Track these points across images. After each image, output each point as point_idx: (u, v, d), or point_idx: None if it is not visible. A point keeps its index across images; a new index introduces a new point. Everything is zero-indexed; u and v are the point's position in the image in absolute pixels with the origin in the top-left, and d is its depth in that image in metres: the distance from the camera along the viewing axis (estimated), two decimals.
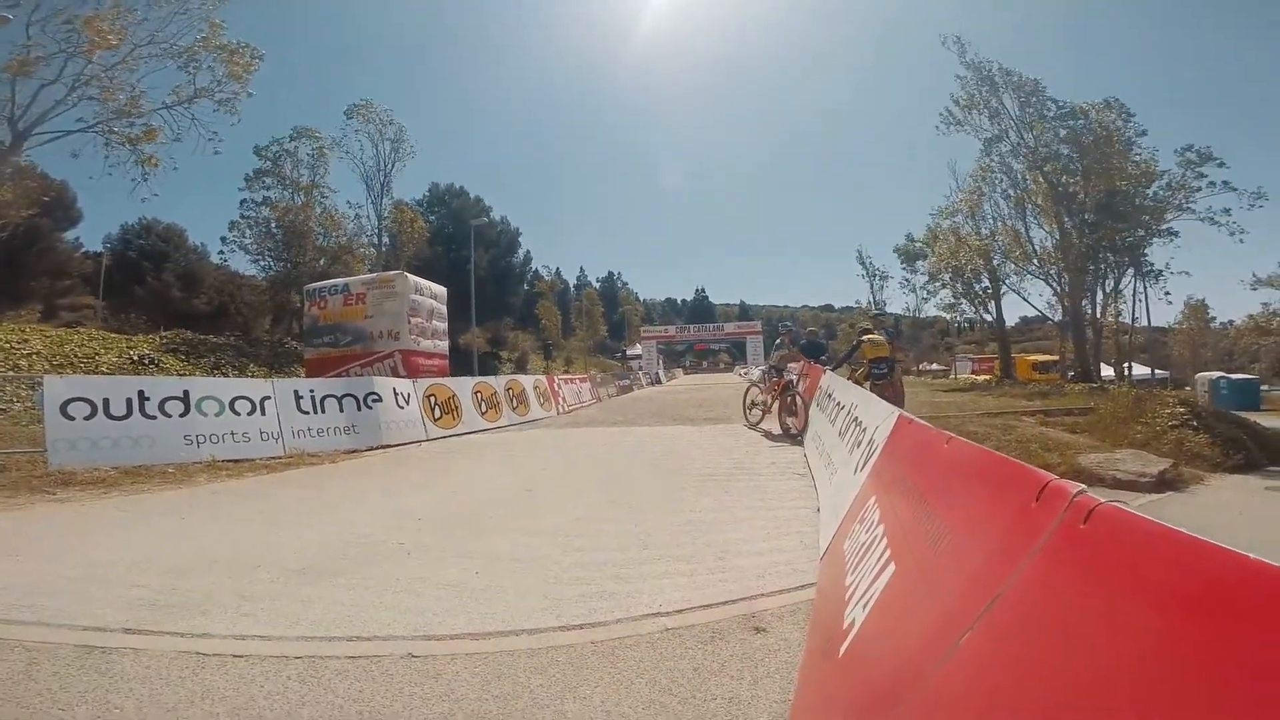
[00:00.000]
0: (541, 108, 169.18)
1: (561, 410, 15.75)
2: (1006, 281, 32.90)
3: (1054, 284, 30.54)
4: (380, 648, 2.51)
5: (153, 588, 3.17)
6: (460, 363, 28.18)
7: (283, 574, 3.43)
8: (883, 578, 1.92)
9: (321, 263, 34.25)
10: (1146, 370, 34.20)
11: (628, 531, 4.24)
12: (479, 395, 12.15)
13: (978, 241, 32.08)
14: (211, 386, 8.43)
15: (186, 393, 7.66)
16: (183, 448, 7.27)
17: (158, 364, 21.07)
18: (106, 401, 7.00)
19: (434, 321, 19.95)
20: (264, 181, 34.26)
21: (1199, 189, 26.13)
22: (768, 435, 9.17)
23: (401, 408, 9.96)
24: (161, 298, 37.00)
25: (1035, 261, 30.88)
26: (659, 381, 39.64)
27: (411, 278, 19.58)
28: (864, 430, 4.20)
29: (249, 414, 8.02)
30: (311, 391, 8.98)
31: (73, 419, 6.75)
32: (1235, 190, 25.68)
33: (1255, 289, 30.00)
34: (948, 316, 38.54)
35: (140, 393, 7.32)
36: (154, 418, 7.23)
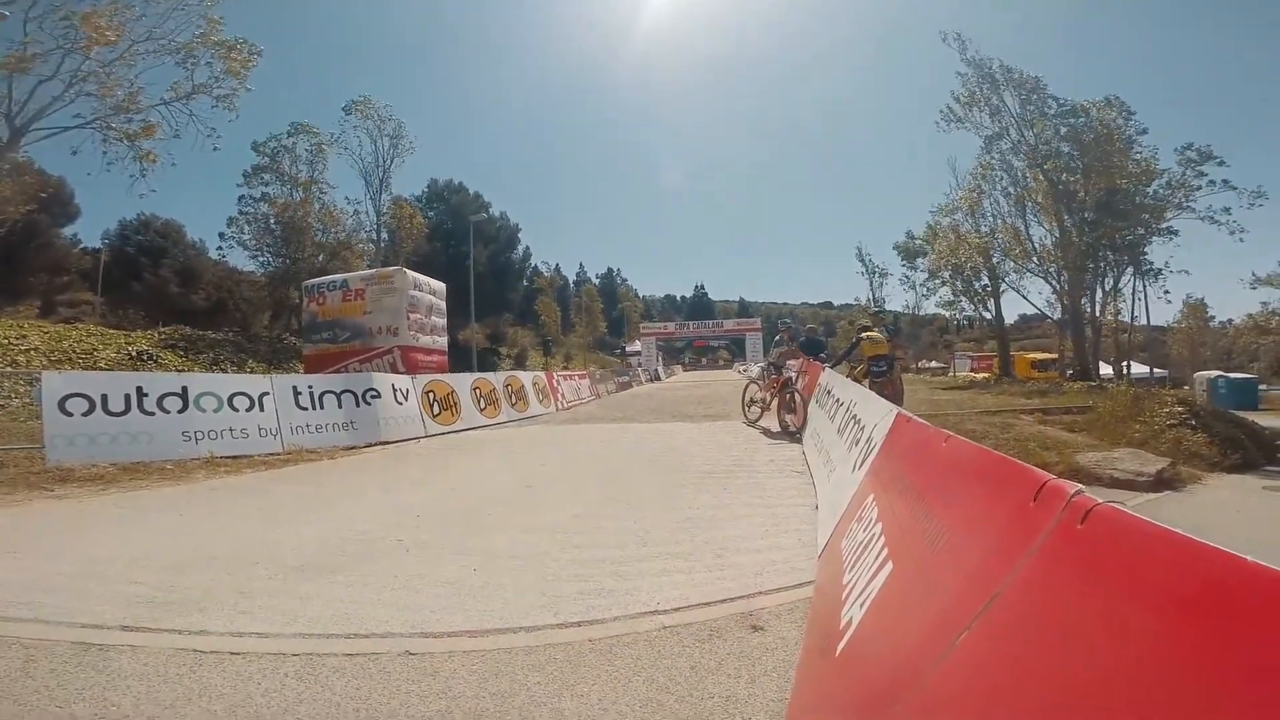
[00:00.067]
0: (541, 104, 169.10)
1: (560, 407, 15.76)
2: (1006, 279, 32.96)
3: (1053, 282, 30.57)
4: (378, 645, 2.51)
5: (150, 585, 3.17)
6: (459, 359, 28.18)
7: (281, 571, 3.43)
8: (880, 576, 1.92)
9: (320, 259, 34.17)
10: (1145, 369, 34.23)
11: (626, 529, 4.24)
12: (478, 391, 12.15)
13: (977, 239, 32.07)
14: (210, 382, 8.41)
15: (185, 389, 7.65)
16: (181, 444, 7.26)
17: (156, 360, 21.05)
18: (105, 397, 6.99)
19: (433, 317, 19.92)
20: (262, 178, 34.17)
21: (1199, 187, 26.17)
22: (766, 432, 9.18)
23: (400, 404, 9.96)
24: (160, 293, 36.98)
25: (1035, 259, 30.90)
26: (658, 378, 39.68)
27: (410, 273, 19.54)
28: (862, 428, 4.20)
29: (247, 410, 8.01)
30: (310, 388, 8.97)
31: (71, 415, 6.73)
32: (1235, 189, 25.73)
33: (1255, 288, 30.04)
34: (947, 314, 38.54)
35: (139, 389, 7.31)
36: (152, 414, 7.23)
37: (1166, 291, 29.09)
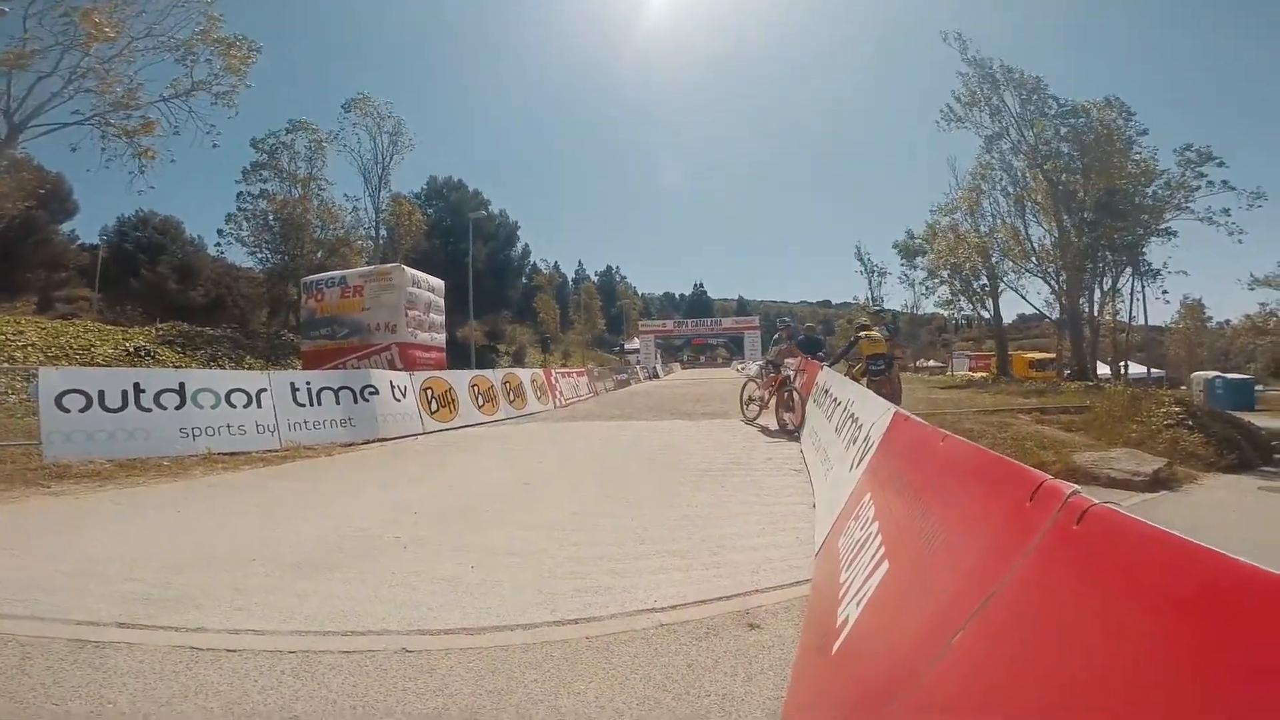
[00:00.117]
0: (540, 102, 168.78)
1: (559, 404, 15.76)
2: (1004, 279, 32.96)
3: (1052, 282, 30.58)
4: (375, 642, 2.51)
5: (147, 582, 3.17)
6: (458, 356, 28.18)
7: (278, 568, 3.42)
8: (877, 575, 1.92)
9: (319, 255, 34.12)
10: (1143, 369, 34.31)
11: (624, 526, 4.24)
12: (476, 388, 12.15)
13: (976, 239, 32.09)
14: (208, 379, 8.41)
15: (182, 385, 7.64)
16: (178, 440, 7.25)
17: (154, 356, 21.01)
18: (102, 393, 6.97)
19: (431, 314, 19.91)
20: (261, 174, 34.14)
21: (1198, 188, 26.17)
22: (765, 431, 9.18)
23: (398, 400, 9.95)
24: (158, 290, 36.95)
25: (1034, 259, 30.91)
26: (656, 376, 39.69)
27: (409, 270, 19.54)
28: (860, 427, 4.20)
29: (245, 406, 8.00)
30: (308, 384, 8.96)
31: (68, 411, 6.72)
32: (1234, 190, 25.73)
33: (1253, 289, 30.00)
34: (945, 313, 38.53)
35: (136, 385, 7.29)
36: (149, 410, 7.21)
37: (1165, 292, 29.14)
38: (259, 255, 35.62)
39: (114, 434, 6.88)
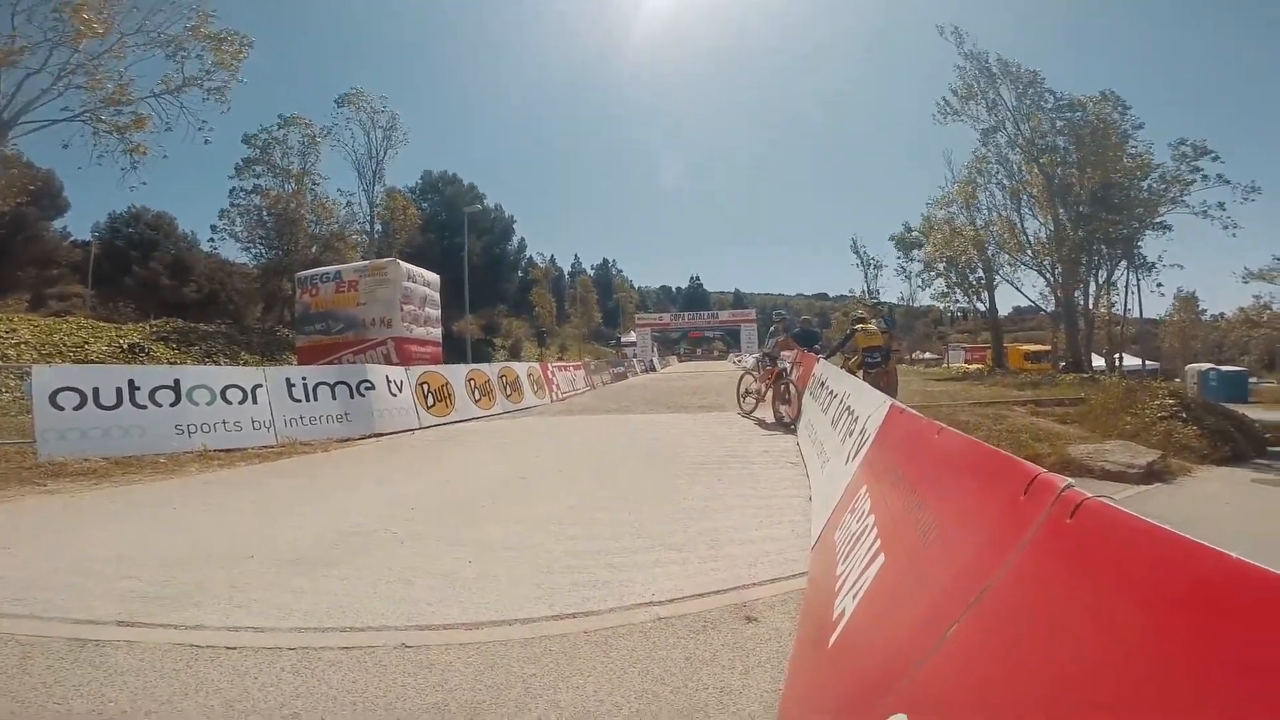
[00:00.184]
0: (536, 96, 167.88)
1: (555, 398, 15.76)
2: (1000, 272, 33.06)
3: (1047, 275, 30.70)
4: (373, 638, 2.52)
5: (145, 580, 3.17)
6: (454, 350, 28.10)
7: (275, 564, 3.43)
8: (873, 568, 1.93)
9: (313, 250, 33.97)
10: (1137, 361, 34.46)
11: (621, 520, 4.25)
12: (472, 383, 12.14)
13: (972, 232, 32.14)
14: (203, 375, 8.38)
15: (177, 381, 7.61)
16: (174, 437, 7.23)
17: (148, 352, 20.91)
18: (96, 391, 6.94)
19: (427, 309, 19.87)
20: (254, 170, 33.95)
21: (1193, 181, 26.30)
22: (761, 424, 9.20)
23: (394, 395, 9.94)
24: (151, 286, 36.74)
25: (1029, 252, 31.00)
26: (653, 369, 39.69)
27: (404, 265, 19.49)
28: (856, 419, 4.22)
29: (241, 403, 7.98)
30: (304, 379, 8.94)
31: (62, 409, 6.69)
32: (1229, 184, 25.85)
33: (1247, 282, 30.20)
34: (941, 306, 38.65)
35: (130, 382, 7.26)
36: (144, 407, 7.19)
37: (1159, 285, 29.50)
38: (253, 251, 35.53)
39: (109, 431, 6.86)
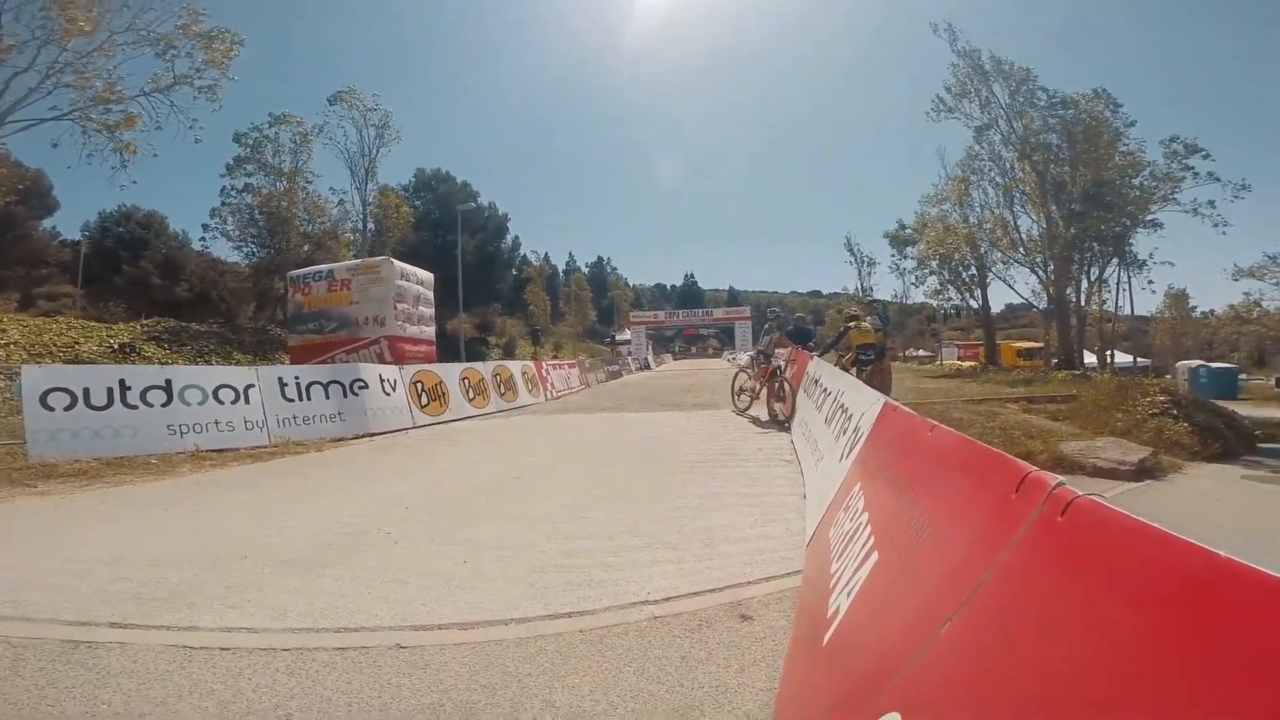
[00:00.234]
0: (531, 94, 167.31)
1: (550, 396, 15.74)
2: (993, 269, 33.23)
3: (1040, 272, 30.90)
4: (368, 639, 2.51)
5: (138, 581, 3.15)
6: (447, 349, 28.01)
7: (269, 565, 3.41)
8: (866, 566, 1.94)
9: (305, 249, 33.83)
10: (1129, 358, 34.68)
11: (615, 519, 4.26)
12: (466, 382, 12.11)
13: (965, 229, 32.28)
14: (194, 375, 8.33)
15: (169, 382, 7.56)
16: (166, 438, 7.19)
17: (139, 352, 20.77)
18: (87, 391, 6.90)
19: (420, 307, 19.79)
20: (245, 168, 33.75)
21: (1183, 179, 26.50)
22: (755, 421, 9.22)
23: (388, 395, 9.91)
24: (142, 285, 36.46)
25: (1022, 250, 31.19)
26: (648, 367, 39.68)
27: (397, 263, 19.39)
28: (850, 417, 4.23)
29: (233, 402, 7.94)
30: (296, 379, 8.90)
31: (53, 410, 6.64)
32: (1220, 181, 26.06)
33: (1237, 279, 30.35)
34: (935, 303, 38.79)
35: (121, 382, 7.21)
36: (136, 407, 7.14)
37: (1150, 282, 29.67)
38: (245, 249, 35.33)
39: (100, 432, 6.81)
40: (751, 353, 12.83)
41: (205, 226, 36.53)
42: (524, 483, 5.68)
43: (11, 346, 17.90)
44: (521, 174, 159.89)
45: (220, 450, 7.37)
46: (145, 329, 23.92)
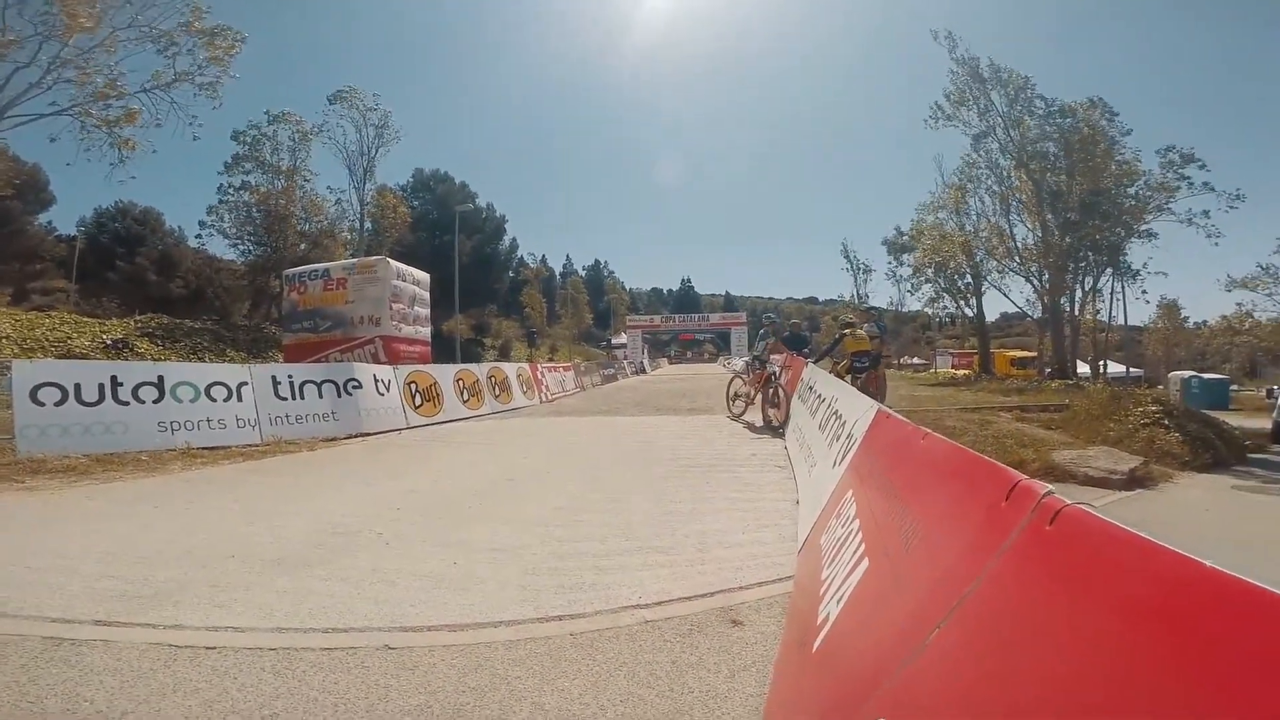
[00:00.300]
0: (531, 97, 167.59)
1: (545, 399, 15.72)
2: (988, 277, 33.36)
3: (1034, 281, 31.04)
4: (356, 639, 2.50)
5: (124, 578, 3.12)
6: (443, 350, 28.00)
7: (258, 564, 3.39)
8: (857, 573, 1.94)
9: (302, 247, 33.79)
10: (1121, 368, 34.87)
11: (608, 522, 4.25)
12: (461, 383, 12.09)
13: (961, 237, 32.42)
14: (187, 372, 8.29)
15: (161, 378, 7.52)
16: (157, 434, 7.14)
17: (132, 348, 20.68)
18: (78, 387, 6.85)
19: (416, 308, 19.78)
20: (243, 166, 33.69)
21: (1178, 188, 26.69)
22: (750, 427, 9.22)
23: (382, 395, 9.88)
24: (136, 281, 36.29)
25: (1017, 258, 31.32)
26: (643, 371, 39.66)
27: (394, 263, 19.38)
28: (843, 424, 4.24)
29: (225, 400, 7.90)
30: (290, 377, 8.87)
31: (43, 405, 6.60)
32: (1215, 191, 26.26)
33: (1230, 290, 30.61)
34: (929, 311, 38.91)
35: (113, 378, 7.17)
36: (127, 404, 7.10)
37: (1144, 292, 29.94)
38: (241, 247, 35.32)
39: (90, 428, 6.77)
40: (747, 358, 12.84)
41: (202, 224, 36.45)
42: (517, 485, 5.67)
43: (3, 341, 17.82)
44: (520, 174, 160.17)
45: (212, 448, 7.33)
46: (139, 325, 23.84)
